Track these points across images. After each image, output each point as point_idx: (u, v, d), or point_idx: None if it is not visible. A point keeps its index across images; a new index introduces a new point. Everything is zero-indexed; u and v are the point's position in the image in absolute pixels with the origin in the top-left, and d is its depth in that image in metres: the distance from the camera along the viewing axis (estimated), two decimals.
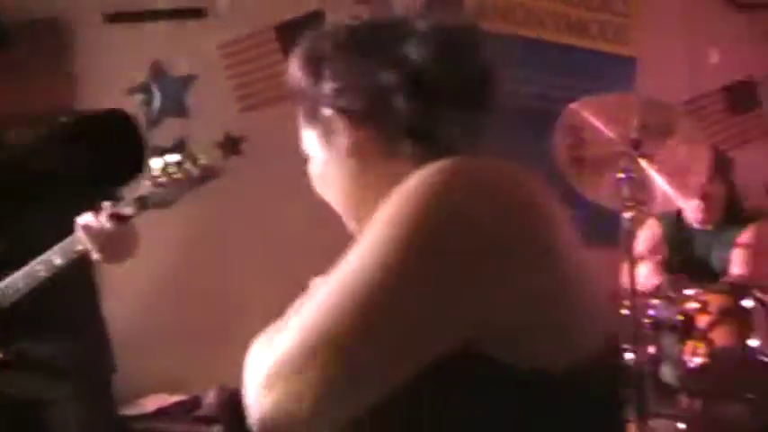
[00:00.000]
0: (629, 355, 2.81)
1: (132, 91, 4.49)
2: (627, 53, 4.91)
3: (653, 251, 3.58)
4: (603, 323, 1.10)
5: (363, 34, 1.21)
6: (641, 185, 2.82)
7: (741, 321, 2.89)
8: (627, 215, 2.74)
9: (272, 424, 0.98)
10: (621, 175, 2.74)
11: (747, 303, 2.92)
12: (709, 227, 3.80)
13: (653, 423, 2.99)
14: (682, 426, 3.04)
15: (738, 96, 5.16)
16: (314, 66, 1.21)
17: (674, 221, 3.84)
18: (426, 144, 1.15)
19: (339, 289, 0.98)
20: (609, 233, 4.03)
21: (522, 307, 0.98)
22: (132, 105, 4.44)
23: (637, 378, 2.82)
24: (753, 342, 2.84)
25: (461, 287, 0.97)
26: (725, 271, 3.72)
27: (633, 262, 2.76)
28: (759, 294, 2.97)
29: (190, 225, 4.14)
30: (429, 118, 1.15)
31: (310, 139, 1.25)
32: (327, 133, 1.21)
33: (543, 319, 1.00)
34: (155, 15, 4.51)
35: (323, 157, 1.23)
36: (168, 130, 4.45)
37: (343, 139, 1.19)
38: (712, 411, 3.16)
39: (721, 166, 3.82)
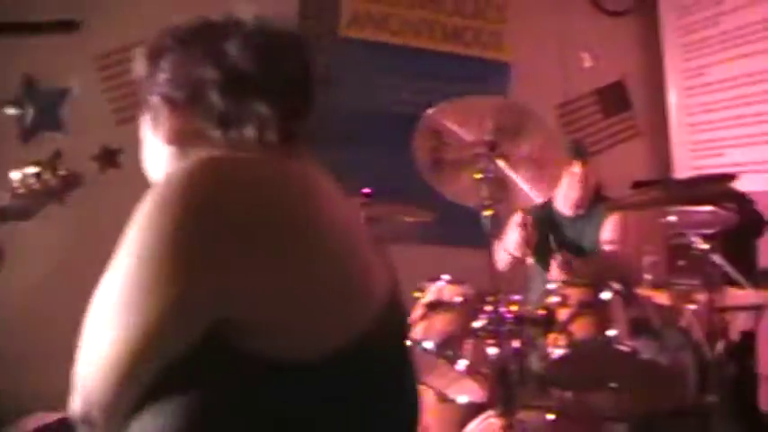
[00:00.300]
0: (492, 350, 2.90)
1: (4, 105, 4.40)
2: (501, 58, 5.03)
3: (523, 243, 3.70)
4: (371, 309, 1.15)
5: (198, 30, 1.28)
6: (500, 184, 2.91)
7: (600, 313, 2.99)
8: (486, 213, 2.83)
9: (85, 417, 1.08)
10: (479, 176, 2.82)
11: (606, 296, 3.03)
12: (581, 211, 3.97)
13: (522, 415, 3.08)
14: (551, 416, 3.13)
15: (610, 99, 5.35)
16: (154, 56, 1.29)
17: (546, 211, 3.97)
18: (236, 136, 1.21)
19: (109, 286, 1.06)
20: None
21: (265, 296, 1.04)
22: (5, 119, 4.38)
23: (501, 372, 2.90)
24: (611, 332, 2.94)
25: (203, 275, 1.02)
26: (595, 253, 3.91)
27: (493, 259, 2.85)
28: (616, 286, 3.09)
29: (67, 237, 4.09)
30: (240, 112, 1.21)
31: (144, 124, 1.32)
32: (154, 119, 1.29)
33: (290, 308, 1.06)
34: (28, 28, 4.44)
35: (150, 142, 1.31)
36: (44, 144, 4.38)
37: (165, 126, 1.27)
38: (581, 401, 3.27)
39: (585, 158, 4.00)
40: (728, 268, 3.13)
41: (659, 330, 3.92)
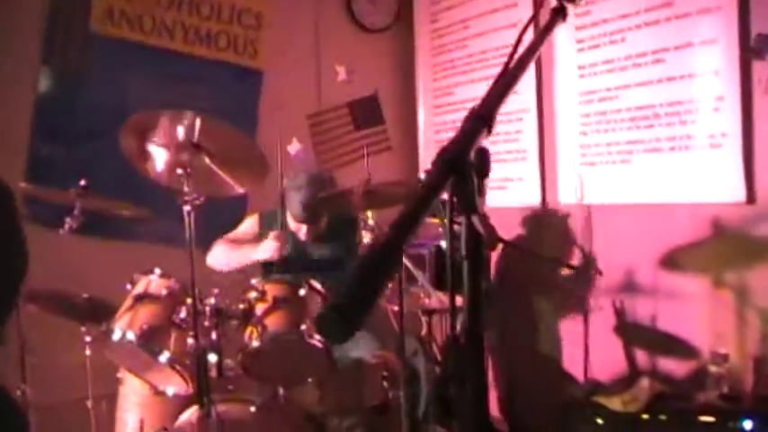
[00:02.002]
0: (190, 341, 2.99)
1: None
2: (255, 66, 5.14)
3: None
4: None
5: None
6: (205, 180, 3.03)
7: (296, 308, 3.15)
8: (186, 208, 2.92)
9: None
10: (180, 171, 2.92)
11: (302, 292, 3.18)
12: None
13: (225, 407, 3.18)
14: (252, 409, 3.25)
15: (362, 112, 5.55)
16: None
17: (275, 217, 4.08)
18: None
19: None
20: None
21: None
22: None
23: (199, 364, 3.00)
24: (303, 327, 3.09)
25: None
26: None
27: (192, 253, 2.94)
28: (314, 283, 3.26)
29: None
30: None
31: None
32: None
33: None
34: None
35: None
36: None
37: None
38: (286, 395, 3.41)
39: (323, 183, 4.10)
40: (419, 277, 3.35)
41: (394, 335, 4.12)
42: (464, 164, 1.02)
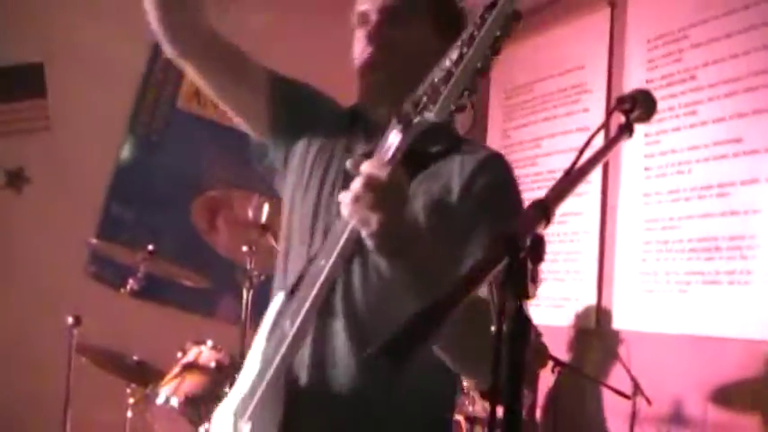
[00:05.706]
0: None
1: None
2: None
3: None
4: None
5: None
6: (268, 259, 3.10)
7: None
8: (246, 284, 3.00)
9: None
10: (245, 248, 3.01)
11: None
12: None
13: None
14: None
15: None
16: None
17: None
18: None
19: None
20: None
21: None
22: None
23: None
24: None
25: None
26: None
27: (246, 329, 2.99)
28: None
29: None
30: None
31: None
32: None
33: None
34: None
35: None
36: None
37: None
38: None
39: None
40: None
41: None
42: (519, 246, 1.06)
